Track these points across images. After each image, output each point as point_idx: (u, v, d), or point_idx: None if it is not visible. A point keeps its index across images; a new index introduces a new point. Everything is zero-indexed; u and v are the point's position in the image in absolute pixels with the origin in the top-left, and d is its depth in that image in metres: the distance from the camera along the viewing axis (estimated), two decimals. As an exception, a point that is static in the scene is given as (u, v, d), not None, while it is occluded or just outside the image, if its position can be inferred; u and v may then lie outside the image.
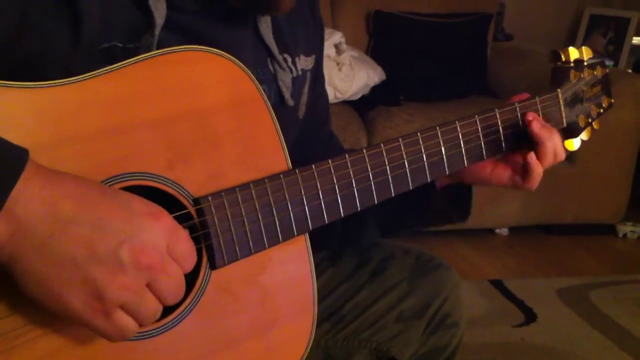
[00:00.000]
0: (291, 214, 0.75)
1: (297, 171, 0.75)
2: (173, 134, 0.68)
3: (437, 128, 0.85)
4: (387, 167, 0.81)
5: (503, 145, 0.90)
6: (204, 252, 0.70)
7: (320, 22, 1.00)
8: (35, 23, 0.66)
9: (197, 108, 0.70)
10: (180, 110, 0.69)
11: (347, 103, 2.79)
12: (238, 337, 0.74)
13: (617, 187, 2.85)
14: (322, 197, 0.77)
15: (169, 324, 0.69)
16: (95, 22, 0.69)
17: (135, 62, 0.67)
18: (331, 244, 1.03)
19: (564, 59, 0.96)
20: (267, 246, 0.74)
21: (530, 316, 2.17)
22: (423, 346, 0.99)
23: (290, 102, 0.89)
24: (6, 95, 0.60)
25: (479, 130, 0.88)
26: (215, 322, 0.72)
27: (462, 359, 1.05)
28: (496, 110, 0.90)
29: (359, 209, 0.80)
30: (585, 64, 0.98)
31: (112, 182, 0.65)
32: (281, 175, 0.74)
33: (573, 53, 0.97)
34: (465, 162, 0.87)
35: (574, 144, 0.98)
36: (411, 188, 0.84)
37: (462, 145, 0.87)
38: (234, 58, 0.73)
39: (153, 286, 0.60)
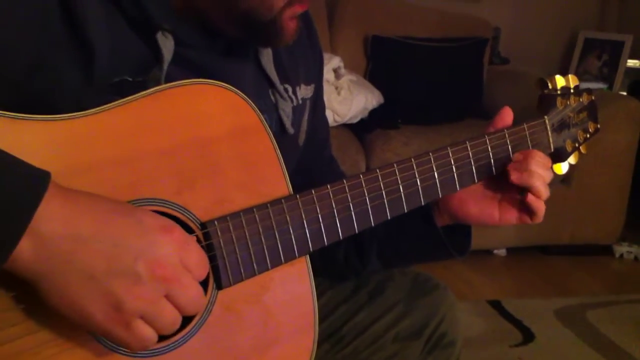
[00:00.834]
0: (292, 236, 0.77)
1: (297, 196, 0.78)
2: (180, 162, 0.71)
3: (430, 154, 0.87)
4: (383, 192, 0.84)
5: (493, 169, 0.93)
6: (211, 273, 0.72)
7: (319, 52, 1.03)
8: (49, 61, 0.69)
9: (202, 137, 0.73)
10: (186, 140, 0.72)
11: (345, 126, 2.80)
12: (241, 355, 0.76)
13: (613, 208, 2.86)
14: (322, 220, 0.79)
15: (178, 342, 0.71)
16: (106, 58, 0.72)
17: (144, 96, 0.70)
18: (332, 276, 1.04)
19: (550, 86, 0.99)
20: (270, 267, 0.76)
21: (528, 336, 2.18)
22: (421, 365, 1.00)
23: (291, 130, 0.91)
24: (21, 127, 0.63)
25: (470, 155, 0.90)
26: (220, 341, 0.74)
27: (460, 377, 1.07)
28: (486, 137, 0.92)
29: (357, 230, 0.83)
30: (572, 91, 1.01)
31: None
32: (282, 200, 0.77)
33: (560, 81, 1.00)
34: (457, 186, 0.90)
35: (562, 167, 1.01)
36: (406, 211, 0.86)
37: (454, 170, 0.89)
38: (236, 89, 0.75)
39: (171, 296, 0.63)
